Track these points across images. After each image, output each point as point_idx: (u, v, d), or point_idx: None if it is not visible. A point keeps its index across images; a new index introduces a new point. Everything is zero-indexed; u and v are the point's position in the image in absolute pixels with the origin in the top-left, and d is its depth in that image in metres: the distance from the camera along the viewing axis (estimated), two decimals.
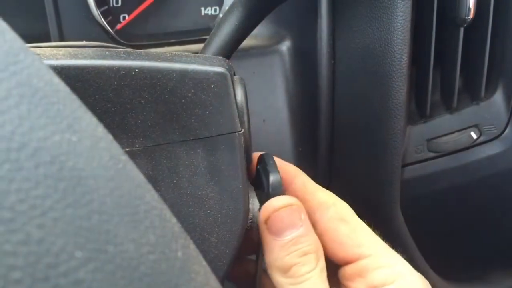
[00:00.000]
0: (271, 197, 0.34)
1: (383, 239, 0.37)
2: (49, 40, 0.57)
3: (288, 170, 0.39)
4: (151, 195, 0.19)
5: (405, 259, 0.36)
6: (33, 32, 0.57)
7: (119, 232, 0.15)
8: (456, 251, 0.62)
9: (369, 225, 0.37)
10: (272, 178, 0.34)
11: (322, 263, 0.34)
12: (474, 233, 0.60)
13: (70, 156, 0.15)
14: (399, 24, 0.46)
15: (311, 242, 0.34)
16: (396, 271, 0.34)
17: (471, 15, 0.48)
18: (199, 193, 0.32)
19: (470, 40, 0.51)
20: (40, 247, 0.12)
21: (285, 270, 0.33)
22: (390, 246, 0.36)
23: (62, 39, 0.58)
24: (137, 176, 0.19)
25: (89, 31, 0.58)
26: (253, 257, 0.39)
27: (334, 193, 0.39)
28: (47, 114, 0.15)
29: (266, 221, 0.33)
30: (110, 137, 0.19)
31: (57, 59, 0.28)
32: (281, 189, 0.34)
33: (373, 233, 0.37)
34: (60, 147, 0.14)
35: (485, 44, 0.50)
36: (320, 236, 0.35)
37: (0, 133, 0.13)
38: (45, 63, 0.18)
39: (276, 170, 0.35)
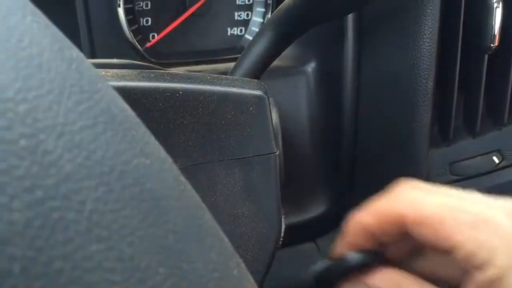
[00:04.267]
0: None
1: None
2: None
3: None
4: (207, 215, 0.20)
5: None
6: None
7: (190, 251, 0.16)
8: None
9: None
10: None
11: None
12: None
13: (147, 178, 0.16)
14: (425, 51, 0.47)
15: None
16: None
17: (496, 43, 0.49)
18: (235, 211, 0.33)
19: (494, 66, 0.52)
20: (132, 263, 0.13)
21: None
22: None
23: (93, 56, 0.59)
24: (195, 196, 0.20)
25: (120, 48, 0.60)
26: None
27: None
28: (125, 139, 0.16)
29: None
30: (170, 159, 0.20)
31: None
32: None
33: None
34: (139, 170, 0.16)
35: (509, 70, 0.51)
36: None
37: (94, 158, 0.14)
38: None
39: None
